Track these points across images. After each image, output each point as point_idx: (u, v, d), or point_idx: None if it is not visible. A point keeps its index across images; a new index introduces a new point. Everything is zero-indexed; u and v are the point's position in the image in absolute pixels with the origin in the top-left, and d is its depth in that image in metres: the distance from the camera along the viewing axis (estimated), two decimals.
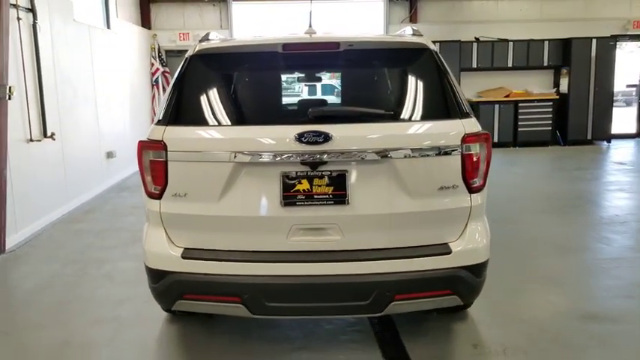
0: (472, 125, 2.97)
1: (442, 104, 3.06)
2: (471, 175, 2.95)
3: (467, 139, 2.92)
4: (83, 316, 4.08)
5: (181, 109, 3.07)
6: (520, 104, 12.35)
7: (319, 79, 5.65)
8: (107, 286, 4.65)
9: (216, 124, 3.05)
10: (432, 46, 3.24)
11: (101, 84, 8.80)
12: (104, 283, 4.72)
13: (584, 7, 12.90)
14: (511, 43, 12.42)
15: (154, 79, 11.82)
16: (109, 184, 8.89)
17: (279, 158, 2.85)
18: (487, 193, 3.12)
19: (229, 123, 3.10)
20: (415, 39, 3.27)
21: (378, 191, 2.92)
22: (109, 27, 9.80)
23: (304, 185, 2.89)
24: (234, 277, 2.88)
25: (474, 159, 2.94)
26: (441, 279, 2.91)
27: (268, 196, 2.92)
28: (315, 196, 2.90)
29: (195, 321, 3.88)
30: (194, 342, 3.66)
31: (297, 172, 2.89)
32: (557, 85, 12.81)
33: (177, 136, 2.95)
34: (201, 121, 3.04)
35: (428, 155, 2.90)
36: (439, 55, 3.22)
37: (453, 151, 2.91)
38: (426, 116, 3.04)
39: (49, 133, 6.71)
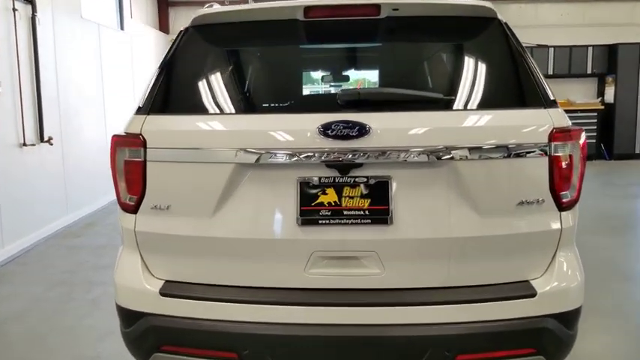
0: (561, 117, 2.16)
1: (519, 89, 2.26)
2: (561, 186, 2.13)
3: (556, 135, 2.10)
4: (58, 354, 3.44)
5: (170, 95, 2.34)
6: None
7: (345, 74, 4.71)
8: (92, 315, 4.02)
9: (213, 112, 2.29)
10: (501, 17, 2.44)
11: (111, 88, 8.26)
12: (89, 312, 4.09)
13: (630, 11, 12.13)
14: (551, 49, 11.77)
15: None
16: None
17: (295, 159, 2.05)
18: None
19: (230, 111, 2.34)
20: (480, 3, 2.47)
21: (433, 206, 2.10)
22: (122, 28, 9.33)
23: (330, 197, 2.08)
24: (231, 325, 2.07)
25: (566, 163, 2.12)
26: (522, 332, 2.07)
27: (280, 210, 2.12)
28: (345, 212, 2.08)
29: None
30: None
31: (320, 179, 2.08)
32: (601, 94, 12.04)
33: (159, 128, 2.21)
34: (194, 109, 2.29)
35: (502, 157, 2.09)
36: (510, 27, 2.42)
37: (538, 151, 2.10)
38: (499, 104, 2.23)
39: (46, 138, 6.14)
